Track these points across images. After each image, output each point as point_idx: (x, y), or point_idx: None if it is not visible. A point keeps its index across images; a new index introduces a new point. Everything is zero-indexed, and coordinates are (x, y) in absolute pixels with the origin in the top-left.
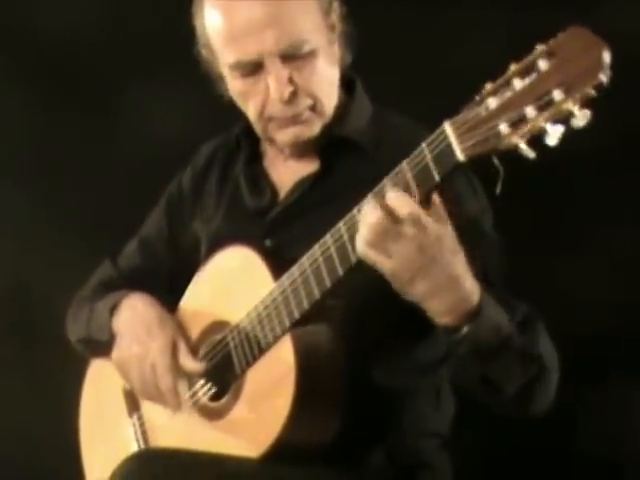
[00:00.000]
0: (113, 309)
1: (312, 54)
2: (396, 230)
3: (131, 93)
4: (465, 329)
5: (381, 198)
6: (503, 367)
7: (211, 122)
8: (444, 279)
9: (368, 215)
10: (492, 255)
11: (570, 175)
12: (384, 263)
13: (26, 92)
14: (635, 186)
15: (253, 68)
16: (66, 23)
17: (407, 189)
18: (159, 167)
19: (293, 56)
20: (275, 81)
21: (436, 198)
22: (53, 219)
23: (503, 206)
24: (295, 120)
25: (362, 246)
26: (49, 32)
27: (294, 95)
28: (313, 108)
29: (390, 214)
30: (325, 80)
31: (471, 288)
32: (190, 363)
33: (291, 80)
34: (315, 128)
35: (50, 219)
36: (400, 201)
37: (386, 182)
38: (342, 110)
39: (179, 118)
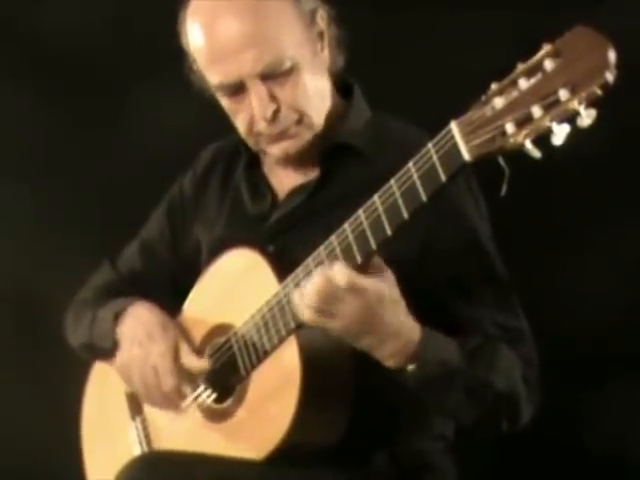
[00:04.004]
0: (117, 317)
1: (294, 69)
2: (338, 294)
3: (134, 94)
4: (409, 369)
5: (323, 270)
6: (454, 399)
7: (214, 123)
8: (387, 331)
9: (311, 284)
10: (482, 267)
11: (571, 175)
12: (330, 324)
13: (28, 92)
14: (636, 186)
15: (236, 89)
16: (68, 24)
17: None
18: (161, 167)
19: (273, 75)
20: (257, 101)
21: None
22: (54, 219)
23: (504, 207)
24: (283, 135)
25: (308, 313)
26: (52, 33)
27: (278, 113)
28: (300, 121)
29: (330, 282)
30: (311, 92)
31: (412, 331)
32: (194, 361)
33: (273, 98)
34: (305, 139)
35: (51, 219)
36: (338, 273)
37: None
38: (340, 116)
39: (181, 119)
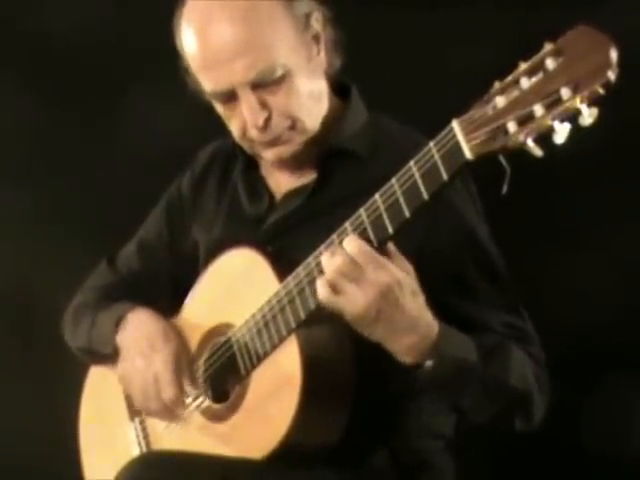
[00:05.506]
0: (118, 323)
1: (286, 76)
2: (359, 274)
3: (132, 94)
4: (426, 365)
5: (340, 244)
6: (469, 397)
7: (211, 123)
8: (404, 322)
9: (329, 261)
10: (484, 267)
11: (569, 173)
12: (346, 307)
13: (28, 93)
14: (635, 184)
15: (228, 97)
16: (67, 25)
17: (364, 235)
18: (160, 168)
19: (265, 83)
20: (247, 110)
21: (391, 246)
22: (54, 219)
23: (503, 205)
24: (276, 141)
25: (324, 291)
26: (51, 34)
27: (269, 120)
28: (293, 127)
29: (351, 259)
30: (304, 97)
31: (429, 326)
32: (194, 372)
33: (265, 105)
34: (298, 144)
35: (51, 219)
36: (358, 246)
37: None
38: (337, 117)
39: (179, 119)
